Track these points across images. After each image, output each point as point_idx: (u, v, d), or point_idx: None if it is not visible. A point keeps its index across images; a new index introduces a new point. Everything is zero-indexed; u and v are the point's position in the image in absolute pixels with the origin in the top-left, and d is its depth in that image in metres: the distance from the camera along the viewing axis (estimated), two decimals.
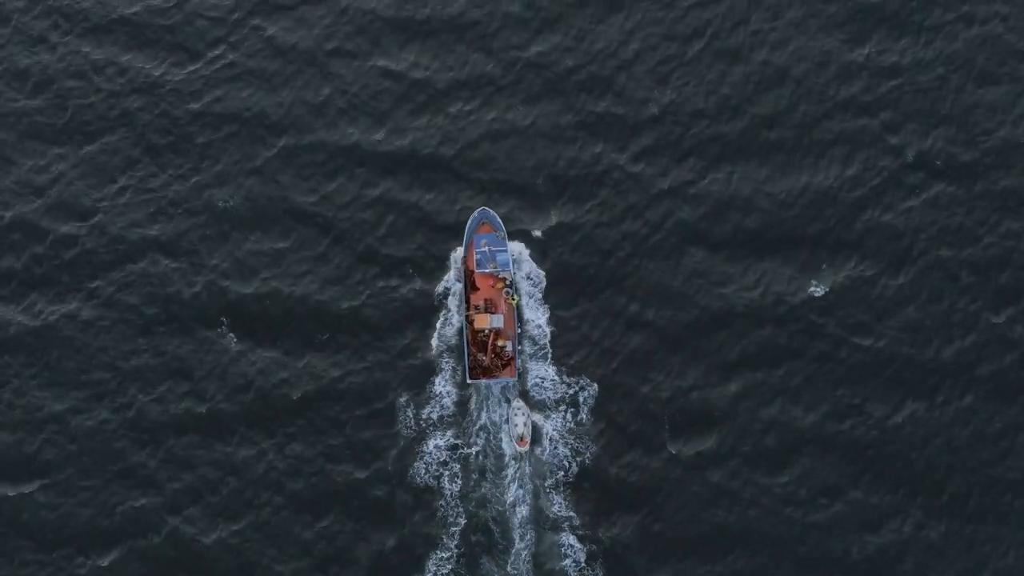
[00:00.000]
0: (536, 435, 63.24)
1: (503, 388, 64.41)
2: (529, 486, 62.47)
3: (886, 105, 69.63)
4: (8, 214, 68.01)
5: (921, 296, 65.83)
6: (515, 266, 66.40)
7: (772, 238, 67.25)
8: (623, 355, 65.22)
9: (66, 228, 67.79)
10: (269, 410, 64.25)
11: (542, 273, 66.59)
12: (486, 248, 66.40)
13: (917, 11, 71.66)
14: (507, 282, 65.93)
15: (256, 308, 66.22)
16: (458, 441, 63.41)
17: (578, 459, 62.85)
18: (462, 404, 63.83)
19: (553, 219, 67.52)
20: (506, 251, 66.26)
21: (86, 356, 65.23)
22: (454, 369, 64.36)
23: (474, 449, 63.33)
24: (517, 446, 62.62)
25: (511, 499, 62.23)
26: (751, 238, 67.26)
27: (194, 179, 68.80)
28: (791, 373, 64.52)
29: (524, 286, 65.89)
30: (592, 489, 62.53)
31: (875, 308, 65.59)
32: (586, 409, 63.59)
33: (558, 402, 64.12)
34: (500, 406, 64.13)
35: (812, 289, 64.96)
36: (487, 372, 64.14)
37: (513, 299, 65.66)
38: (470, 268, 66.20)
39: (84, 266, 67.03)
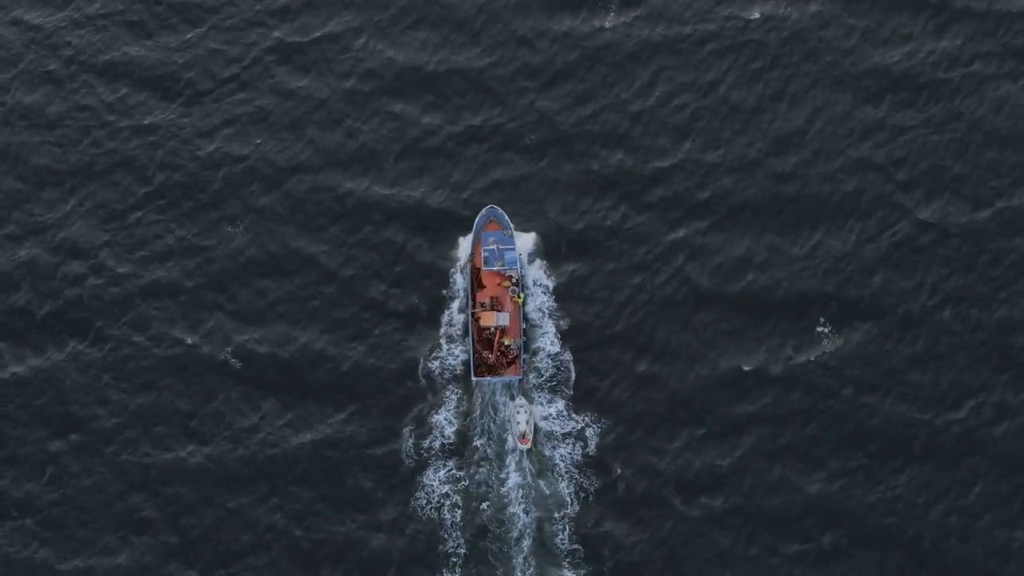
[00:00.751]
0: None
1: (507, 388, 64.45)
2: (534, 515, 62.34)
3: (901, 164, 68.46)
4: (18, 253, 67.41)
5: (932, 358, 64.32)
6: (521, 265, 66.49)
7: (782, 297, 65.80)
8: (630, 409, 64.29)
9: (70, 268, 66.83)
10: (269, 457, 63.40)
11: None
12: (494, 246, 66.44)
13: (933, 71, 70.57)
14: (514, 280, 65.98)
15: (260, 352, 65.18)
16: (460, 472, 63.21)
17: (582, 497, 62.35)
18: (463, 435, 63.34)
19: (564, 271, 66.64)
20: (514, 249, 66.29)
21: (84, 398, 64.28)
22: (457, 402, 63.94)
23: (476, 460, 63.40)
24: (519, 444, 62.57)
25: (515, 530, 62.14)
26: (761, 296, 65.90)
27: (202, 220, 67.97)
28: (799, 434, 63.10)
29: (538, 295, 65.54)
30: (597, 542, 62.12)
31: (886, 370, 64.04)
32: (592, 458, 63.03)
33: (565, 436, 64.08)
34: (503, 409, 64.17)
35: (822, 349, 64.02)
36: (492, 370, 64.10)
37: (519, 297, 65.68)
38: (477, 266, 66.24)
39: (87, 308, 66.15)
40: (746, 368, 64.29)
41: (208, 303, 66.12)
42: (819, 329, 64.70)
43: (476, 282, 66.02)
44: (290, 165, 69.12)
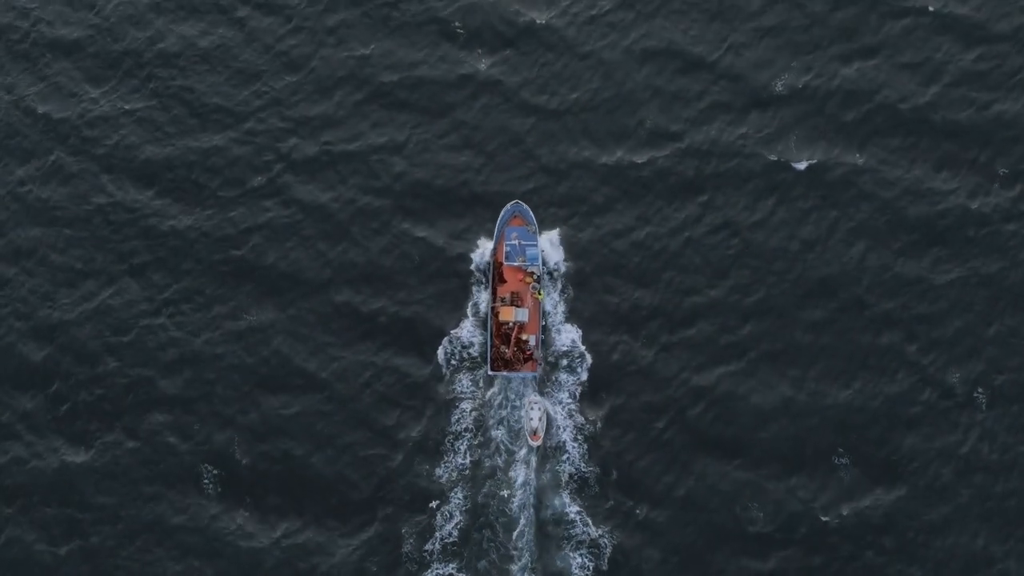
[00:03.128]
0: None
1: (523, 384, 65.00)
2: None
3: (930, 323, 65.59)
4: (36, 349, 66.48)
5: (955, 527, 62.57)
6: (543, 262, 66.86)
7: (796, 451, 63.87)
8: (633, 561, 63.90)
9: (78, 370, 65.93)
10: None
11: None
12: (516, 242, 66.79)
13: (968, 229, 67.32)
14: (535, 276, 66.37)
15: (263, 468, 64.44)
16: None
17: None
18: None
19: (597, 408, 65.33)
20: (536, 246, 66.62)
21: (78, 501, 63.88)
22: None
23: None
24: (530, 440, 63.21)
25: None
26: (774, 448, 63.92)
27: (208, 327, 66.87)
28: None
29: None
30: None
31: (902, 536, 62.47)
32: None
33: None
34: (517, 405, 64.71)
35: (839, 501, 63.02)
36: (508, 365, 64.67)
37: (539, 294, 66.09)
38: (499, 260, 66.65)
39: (95, 409, 65.45)
40: (751, 526, 62.61)
41: (211, 412, 64.88)
42: (833, 488, 62.98)
43: (497, 276, 66.44)
44: (299, 278, 67.41)
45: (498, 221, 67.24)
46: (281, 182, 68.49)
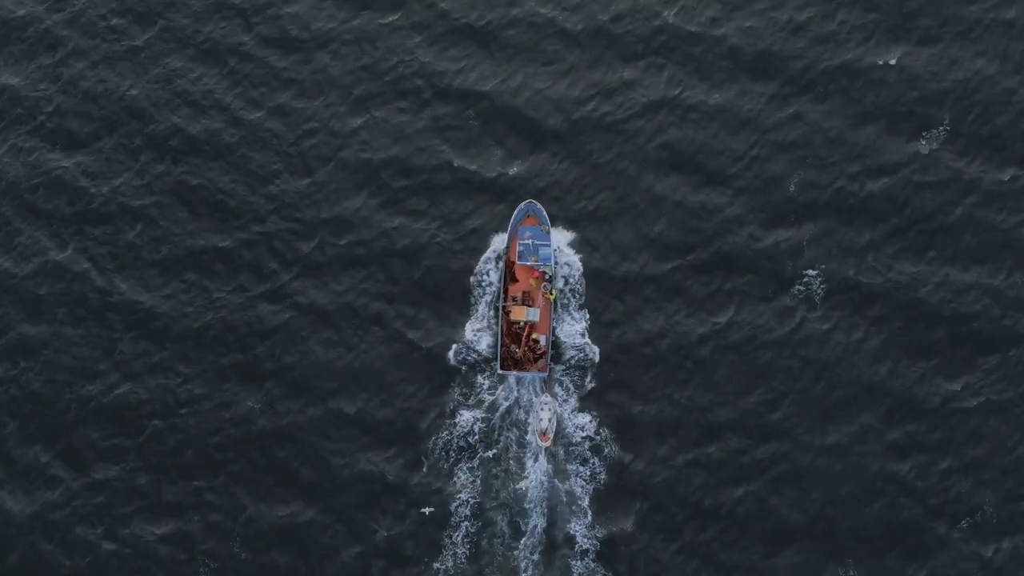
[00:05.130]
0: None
1: (533, 384, 64.58)
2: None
3: (942, 448, 63.62)
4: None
5: None
6: (556, 262, 66.47)
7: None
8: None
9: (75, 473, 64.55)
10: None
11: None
12: (529, 241, 66.45)
13: (1000, 347, 65.17)
14: (547, 276, 65.98)
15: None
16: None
17: None
18: None
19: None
20: (549, 246, 66.26)
21: None
22: None
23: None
24: (540, 441, 62.77)
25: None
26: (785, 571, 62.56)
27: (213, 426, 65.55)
28: None
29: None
30: None
31: None
32: None
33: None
34: (527, 405, 64.30)
35: None
36: (518, 364, 64.28)
37: (552, 294, 65.69)
38: (511, 259, 66.29)
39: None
40: None
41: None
42: None
43: (509, 275, 66.09)
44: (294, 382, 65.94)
45: (512, 220, 66.90)
46: (292, 284, 67.38)
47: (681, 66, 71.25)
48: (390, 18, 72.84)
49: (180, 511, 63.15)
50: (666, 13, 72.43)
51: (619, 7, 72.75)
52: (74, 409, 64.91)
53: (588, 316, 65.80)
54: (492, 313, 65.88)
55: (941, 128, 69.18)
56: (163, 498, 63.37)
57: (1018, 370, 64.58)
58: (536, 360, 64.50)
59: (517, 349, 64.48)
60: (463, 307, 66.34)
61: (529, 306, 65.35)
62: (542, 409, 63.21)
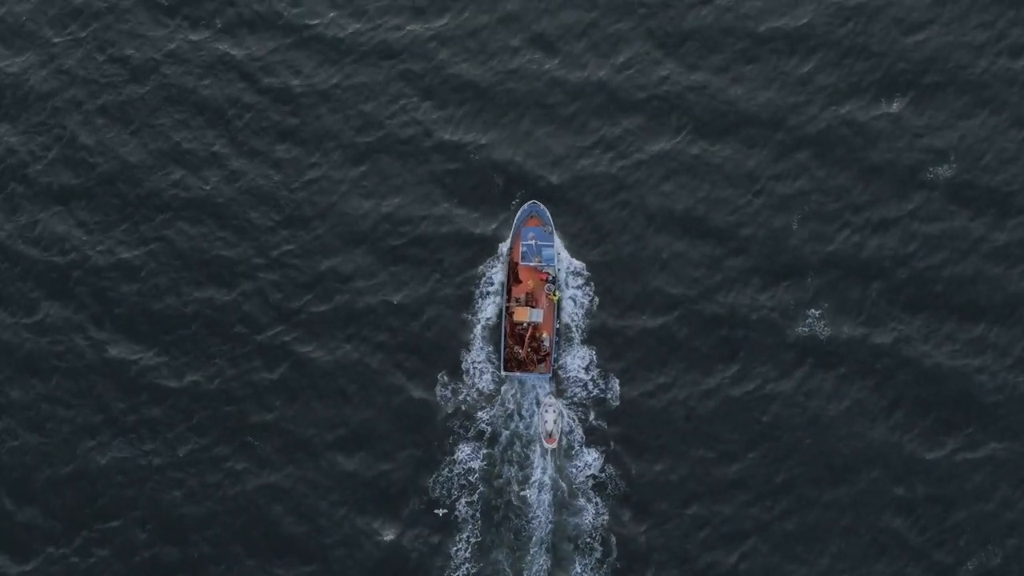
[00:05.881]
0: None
1: (537, 386, 64.23)
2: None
3: (948, 504, 62.83)
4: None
5: None
6: (559, 262, 66.17)
7: None
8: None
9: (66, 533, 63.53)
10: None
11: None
12: (532, 242, 66.14)
13: (1002, 410, 64.39)
14: (550, 277, 65.66)
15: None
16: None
17: None
18: None
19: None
20: (552, 247, 65.96)
21: None
22: None
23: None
24: (545, 443, 62.36)
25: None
26: None
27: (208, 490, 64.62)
28: None
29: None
30: None
31: None
32: None
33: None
34: (531, 407, 63.92)
35: None
36: (522, 365, 63.89)
37: (555, 295, 65.36)
38: (515, 260, 65.95)
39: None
40: None
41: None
42: None
43: (512, 276, 65.74)
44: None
45: (515, 220, 66.58)
46: (287, 339, 66.40)
47: (683, 119, 70.35)
48: (387, 71, 71.69)
49: (171, 571, 62.49)
50: (666, 65, 71.62)
51: (619, 61, 71.67)
52: (71, 465, 63.90)
53: (594, 368, 65.12)
54: (491, 348, 65.04)
55: (945, 181, 68.32)
56: (162, 560, 62.59)
57: None
58: (540, 361, 64.11)
59: (520, 350, 64.09)
60: (458, 356, 65.07)
61: (532, 307, 65.00)
62: (546, 411, 62.80)
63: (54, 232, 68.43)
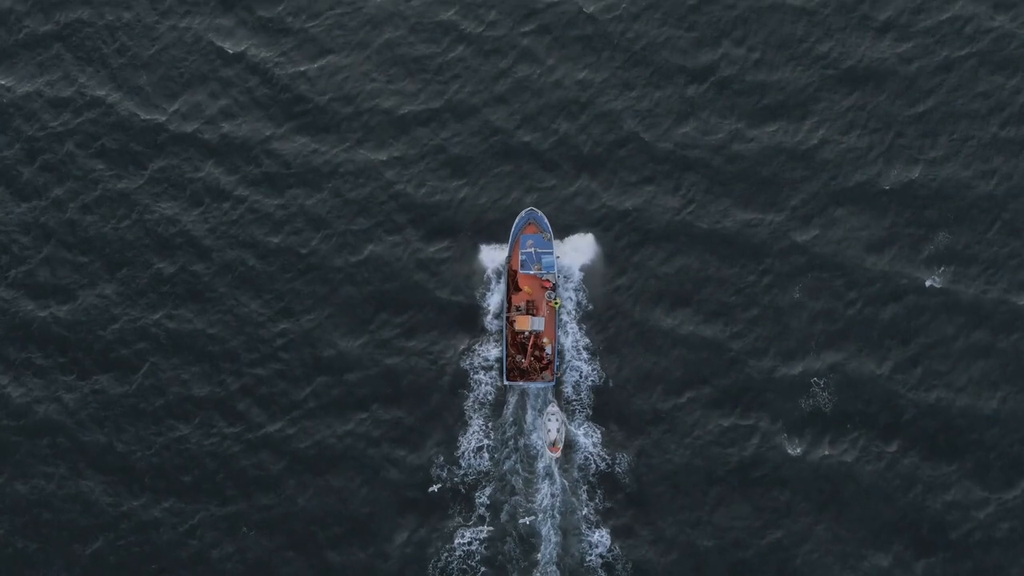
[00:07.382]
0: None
1: (540, 394, 63.73)
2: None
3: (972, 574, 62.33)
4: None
5: None
6: (559, 270, 65.63)
7: None
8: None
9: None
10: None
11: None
12: (532, 249, 65.59)
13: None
14: (551, 285, 65.12)
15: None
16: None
17: None
18: None
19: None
20: (552, 254, 65.40)
21: None
22: None
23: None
24: (549, 452, 61.83)
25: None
26: None
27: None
28: None
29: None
30: None
31: None
32: None
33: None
34: (535, 416, 63.44)
35: None
36: (525, 375, 63.37)
37: (556, 303, 64.81)
38: (514, 268, 65.40)
39: None
40: None
41: None
42: None
43: (512, 284, 65.20)
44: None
45: (513, 228, 66.01)
46: (285, 428, 65.18)
47: (691, 187, 69.47)
48: (380, 153, 70.39)
49: None
50: (675, 134, 70.89)
51: (621, 128, 70.82)
52: (81, 556, 63.07)
53: (601, 446, 64.25)
54: (487, 425, 63.91)
55: (957, 249, 67.49)
56: None
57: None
58: (542, 370, 63.59)
59: (522, 359, 63.58)
60: (456, 437, 63.75)
61: (533, 315, 64.46)
62: (550, 420, 62.28)
63: (45, 322, 66.72)
